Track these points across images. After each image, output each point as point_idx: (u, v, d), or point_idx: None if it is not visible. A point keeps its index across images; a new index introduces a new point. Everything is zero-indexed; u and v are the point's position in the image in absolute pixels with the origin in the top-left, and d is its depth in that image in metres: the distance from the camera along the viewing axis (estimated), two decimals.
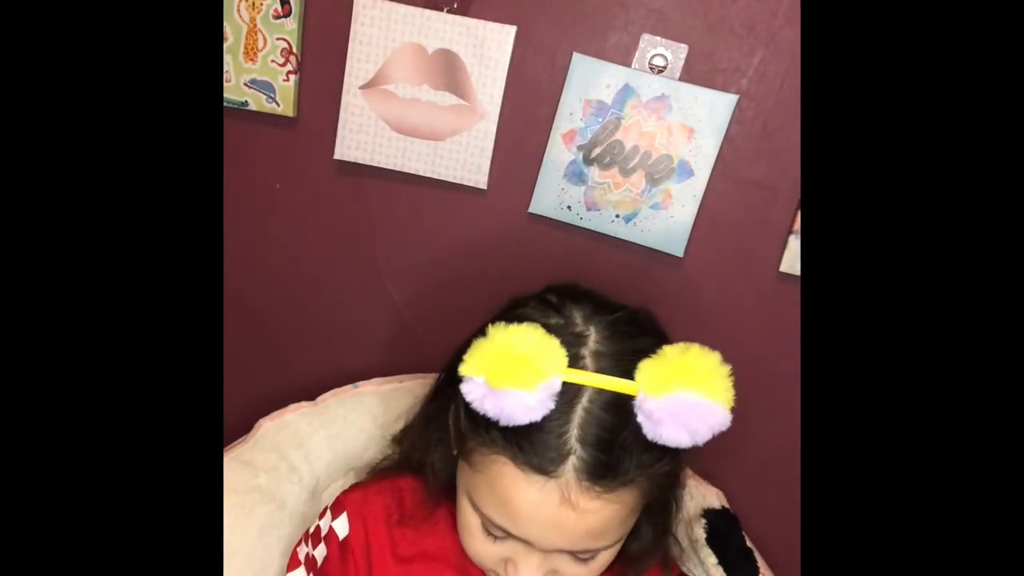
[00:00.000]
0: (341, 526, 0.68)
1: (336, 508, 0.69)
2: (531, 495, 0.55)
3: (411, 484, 0.69)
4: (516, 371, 0.52)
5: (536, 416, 0.53)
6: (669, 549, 0.71)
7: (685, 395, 0.53)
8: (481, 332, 0.56)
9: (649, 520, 0.65)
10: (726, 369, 0.54)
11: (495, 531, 0.59)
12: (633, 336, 0.58)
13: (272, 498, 0.74)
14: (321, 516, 0.70)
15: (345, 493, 0.71)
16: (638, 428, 0.54)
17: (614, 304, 0.61)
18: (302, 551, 0.71)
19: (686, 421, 0.53)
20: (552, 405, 0.53)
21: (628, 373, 0.55)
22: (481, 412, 0.54)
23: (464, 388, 0.54)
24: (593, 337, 0.57)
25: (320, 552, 0.69)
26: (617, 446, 0.55)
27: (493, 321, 0.57)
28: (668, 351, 0.55)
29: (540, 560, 0.58)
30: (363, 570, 0.67)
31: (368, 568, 0.67)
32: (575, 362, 0.55)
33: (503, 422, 0.53)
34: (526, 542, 0.57)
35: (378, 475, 0.74)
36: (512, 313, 0.59)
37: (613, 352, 0.57)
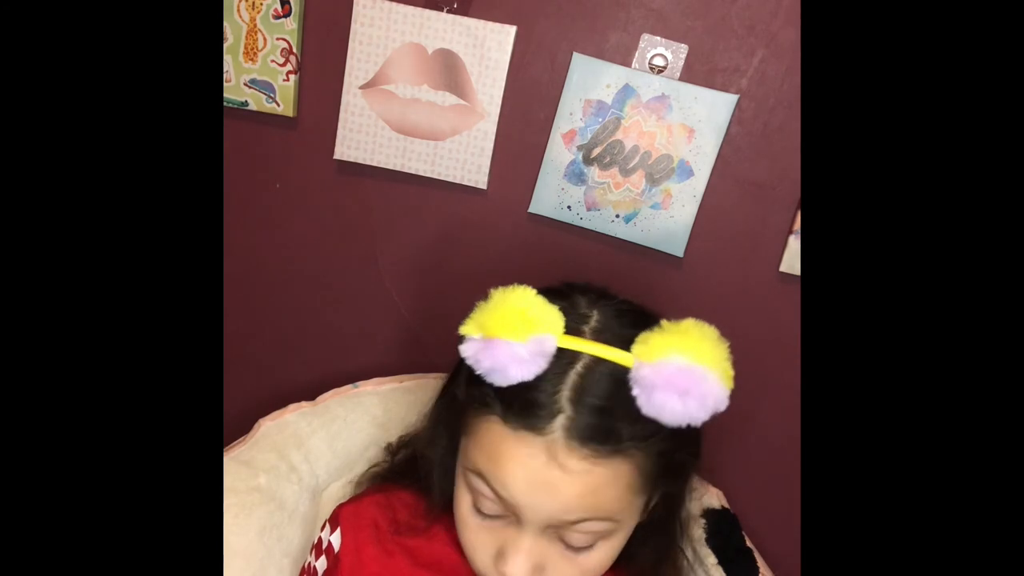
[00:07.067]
0: (336, 539, 0.68)
1: (332, 521, 0.69)
2: (519, 451, 0.54)
3: (406, 498, 0.69)
4: (509, 322, 0.54)
5: (527, 372, 0.54)
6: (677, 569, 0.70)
7: (678, 359, 0.53)
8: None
9: (648, 541, 0.64)
10: (724, 344, 0.55)
11: (485, 504, 0.58)
12: (635, 324, 0.57)
13: (272, 498, 0.74)
14: (322, 528, 0.71)
15: (341, 506, 0.70)
16: (632, 400, 0.54)
17: (620, 298, 0.61)
18: (307, 561, 0.71)
19: (677, 384, 0.52)
20: (544, 364, 0.54)
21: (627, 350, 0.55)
22: (477, 370, 0.55)
23: (462, 348, 0.56)
24: (596, 318, 0.58)
25: (321, 564, 0.69)
26: (607, 412, 0.54)
27: None
28: (666, 324, 0.55)
29: (530, 543, 0.56)
30: None
31: None
32: (574, 333, 0.56)
33: (496, 377, 0.54)
34: (515, 516, 0.56)
35: (373, 487, 0.74)
36: None
37: (614, 329, 0.57)
